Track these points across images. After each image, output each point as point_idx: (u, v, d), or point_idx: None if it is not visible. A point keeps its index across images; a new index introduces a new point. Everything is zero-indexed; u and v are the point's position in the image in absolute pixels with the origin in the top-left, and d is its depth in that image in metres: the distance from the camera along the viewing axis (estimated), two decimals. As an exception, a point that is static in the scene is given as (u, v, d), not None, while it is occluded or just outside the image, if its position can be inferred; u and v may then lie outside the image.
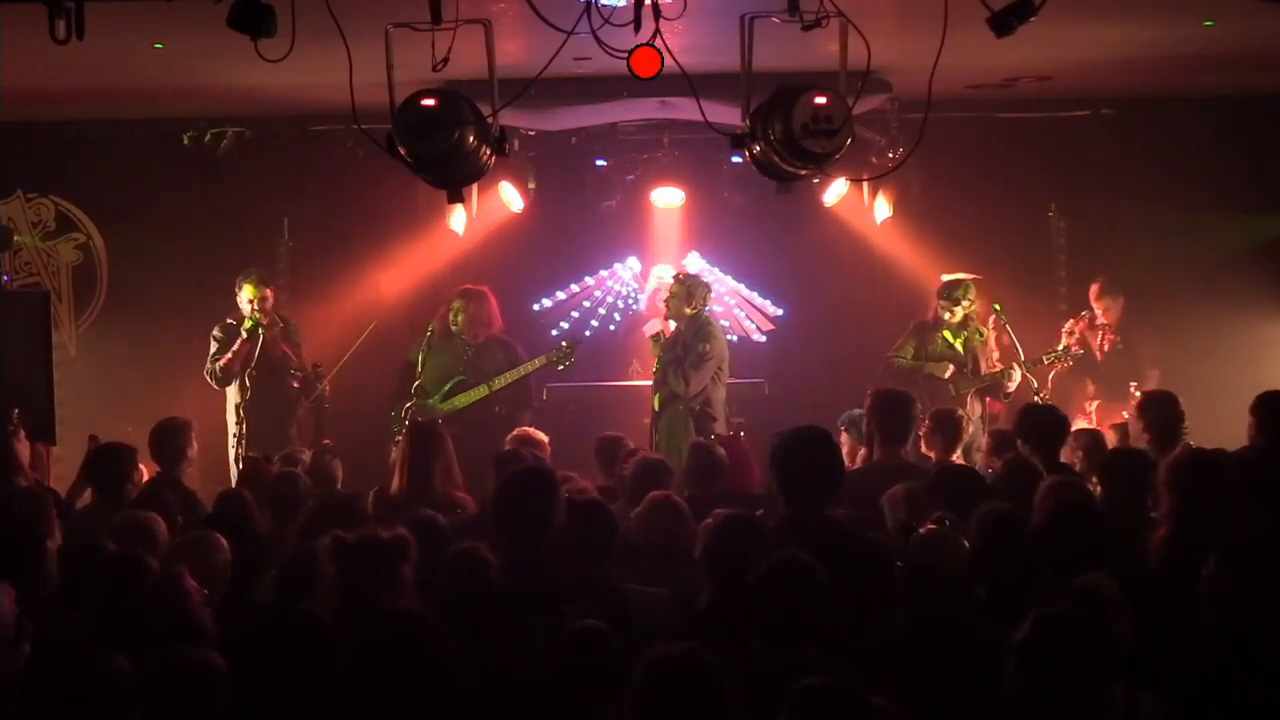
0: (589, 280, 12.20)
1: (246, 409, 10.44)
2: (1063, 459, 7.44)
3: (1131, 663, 4.39)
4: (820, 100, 6.87)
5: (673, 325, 10.47)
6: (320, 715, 4.35)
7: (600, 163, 11.74)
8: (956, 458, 8.14)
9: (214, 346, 10.62)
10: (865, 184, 11.28)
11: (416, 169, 7.22)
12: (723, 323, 11.03)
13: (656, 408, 10.33)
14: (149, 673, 4.40)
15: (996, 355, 10.83)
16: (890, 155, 10.76)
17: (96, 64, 8.63)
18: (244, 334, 10.46)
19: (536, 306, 12.10)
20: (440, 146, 6.87)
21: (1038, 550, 5.35)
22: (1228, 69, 10.33)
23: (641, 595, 5.52)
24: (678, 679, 4.00)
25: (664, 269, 11.78)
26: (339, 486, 8.12)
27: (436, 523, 5.93)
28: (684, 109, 9.53)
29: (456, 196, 7.58)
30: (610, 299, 12.22)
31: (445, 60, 6.81)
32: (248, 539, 6.20)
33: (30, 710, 4.45)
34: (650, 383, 10.58)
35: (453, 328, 10.59)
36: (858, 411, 8.61)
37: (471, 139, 6.99)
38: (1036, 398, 10.05)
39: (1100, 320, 11.25)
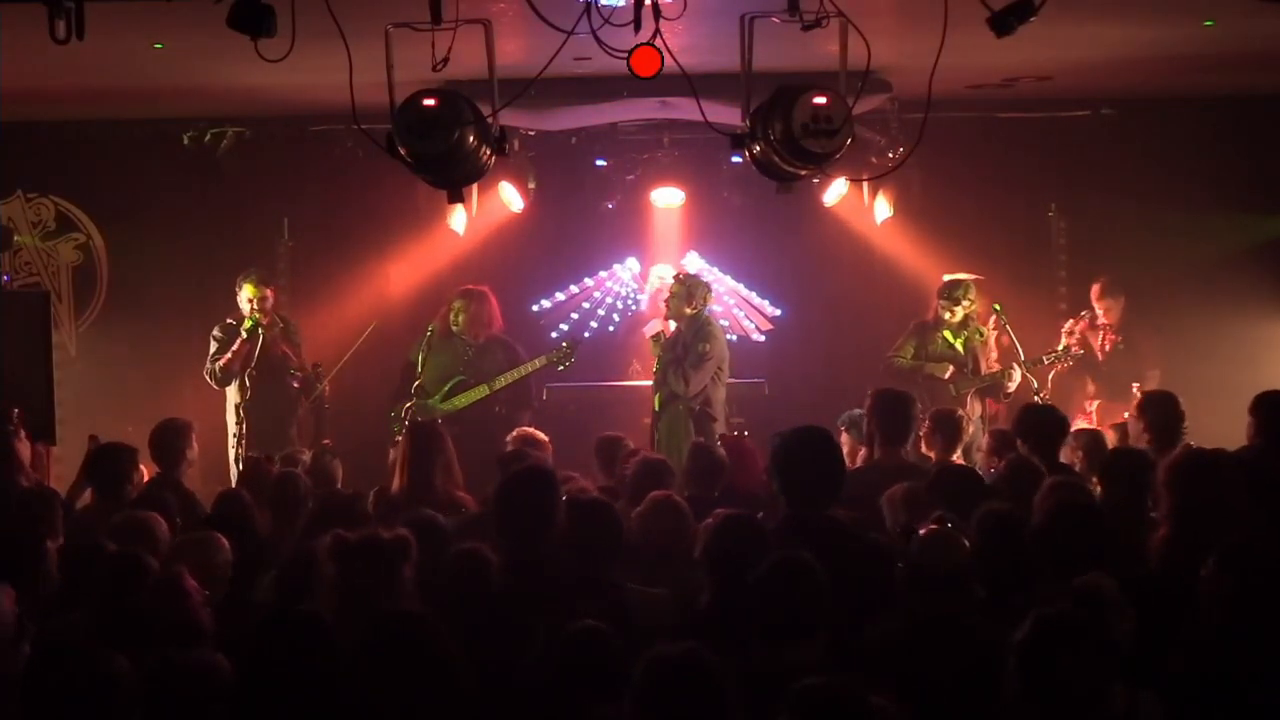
0: (589, 281, 12.20)
1: (246, 409, 10.44)
2: (1063, 459, 7.45)
3: (1131, 663, 4.39)
4: (820, 100, 6.87)
5: (673, 325, 10.48)
6: (320, 715, 4.35)
7: (600, 163, 11.74)
8: (956, 458, 8.14)
9: (214, 346, 10.62)
10: (865, 184, 11.28)
11: (416, 169, 7.22)
12: (722, 323, 11.03)
13: (657, 408, 10.33)
14: (150, 673, 4.40)
15: (995, 356, 10.84)
16: (890, 155, 10.76)
17: (96, 64, 8.63)
18: (244, 334, 10.46)
19: (536, 307, 12.10)
20: (440, 146, 6.87)
21: (1038, 550, 5.35)
22: (1228, 69, 10.33)
23: (642, 595, 5.52)
24: (678, 679, 4.00)
25: (664, 269, 11.78)
26: (339, 486, 8.13)
27: (437, 523, 5.94)
28: (684, 109, 9.53)
29: (456, 196, 7.58)
30: (610, 299, 12.22)
31: (445, 60, 6.81)
32: (248, 539, 6.20)
33: (30, 710, 4.45)
34: (650, 383, 10.58)
35: (453, 328, 10.59)
36: (858, 411, 8.61)
37: (471, 139, 6.99)
38: (1036, 398, 10.06)
39: (1101, 320, 11.24)
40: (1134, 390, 10.00)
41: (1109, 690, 4.18)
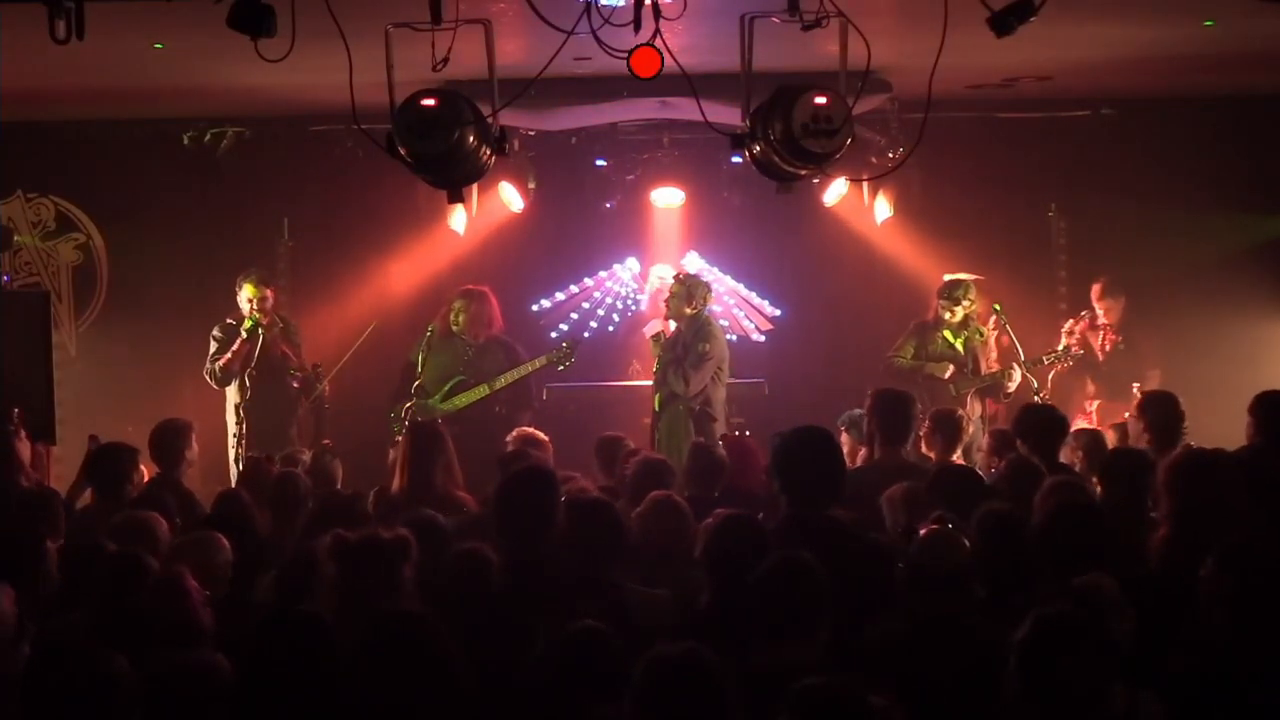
0: (589, 281, 12.20)
1: (246, 409, 10.44)
2: (1063, 459, 7.45)
3: (1131, 663, 4.39)
4: (820, 100, 6.87)
5: (673, 325, 10.48)
6: (320, 715, 4.35)
7: (600, 163, 11.74)
8: (957, 458, 8.14)
9: (214, 346, 10.62)
10: (865, 184, 11.28)
11: (416, 169, 7.22)
12: (722, 323, 11.03)
13: (657, 408, 10.33)
14: (150, 673, 4.40)
15: (995, 356, 10.84)
16: (890, 155, 10.76)
17: (96, 64, 8.63)
18: (244, 334, 10.46)
19: (536, 307, 12.10)
20: (440, 146, 6.87)
21: (1038, 550, 5.35)
22: (1228, 69, 10.33)
23: (642, 595, 5.52)
24: (678, 679, 4.00)
25: (663, 269, 11.78)
26: (339, 486, 8.13)
27: (437, 523, 5.94)
28: (684, 109, 9.53)
29: (456, 196, 7.59)
30: (610, 299, 12.21)
31: (445, 60, 6.81)
32: (248, 539, 6.20)
33: (30, 710, 4.45)
34: (650, 383, 10.58)
35: (454, 328, 10.59)
36: (858, 411, 8.61)
37: (471, 139, 6.99)
38: (1036, 398, 10.06)
39: (1102, 320, 11.24)
40: (1134, 390, 10.01)
41: (1109, 690, 4.18)
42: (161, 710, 4.35)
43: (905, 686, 4.33)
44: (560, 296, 12.17)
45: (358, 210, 11.78)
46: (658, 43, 6.56)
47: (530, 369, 10.57)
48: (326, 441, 9.62)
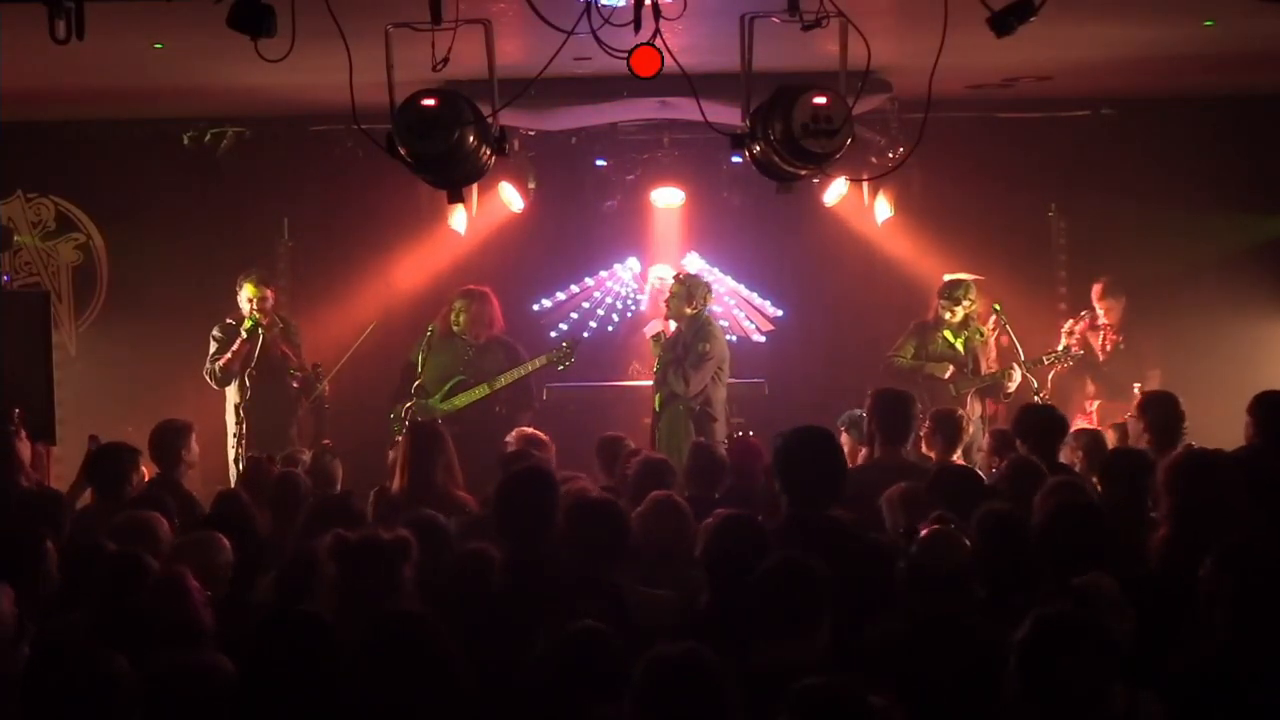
0: (589, 281, 12.20)
1: (246, 409, 10.44)
2: (1063, 459, 7.45)
3: (1131, 663, 4.39)
4: (820, 100, 6.87)
5: (673, 325, 10.48)
6: (320, 715, 4.35)
7: (600, 163, 11.74)
8: (957, 458, 8.13)
9: (214, 346, 10.62)
10: (865, 184, 11.28)
11: (416, 169, 7.22)
12: (722, 323, 11.03)
13: (657, 408, 10.33)
14: (152, 674, 4.40)
15: (994, 356, 10.85)
16: (890, 155, 10.76)
17: (96, 64, 8.63)
18: (244, 334, 10.46)
19: (536, 307, 12.10)
20: (440, 146, 6.87)
21: (1038, 550, 5.35)
22: (1228, 69, 10.33)
23: (642, 595, 5.52)
24: (678, 679, 4.00)
25: (663, 269, 11.78)
26: (339, 486, 8.13)
27: (437, 522, 5.94)
28: (684, 109, 9.52)
29: (456, 196, 7.59)
30: (610, 299, 12.21)
31: (445, 60, 6.82)
32: (248, 539, 6.20)
33: (30, 710, 4.45)
34: (650, 383, 10.58)
35: (454, 328, 10.59)
36: (858, 411, 8.62)
37: (471, 139, 6.99)
38: (1036, 398, 10.06)
39: (1102, 320, 11.24)
40: (1134, 390, 10.01)
41: (1109, 690, 4.18)
42: (161, 710, 4.35)
43: (905, 686, 4.33)
44: (561, 296, 12.17)
45: (358, 210, 11.78)
46: (658, 43, 6.56)
47: (530, 369, 10.57)
48: (326, 441, 9.63)
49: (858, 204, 11.70)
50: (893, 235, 11.80)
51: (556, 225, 11.99)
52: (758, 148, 7.19)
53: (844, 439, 8.65)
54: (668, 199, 11.82)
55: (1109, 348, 11.22)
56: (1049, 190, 12.02)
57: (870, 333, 11.43)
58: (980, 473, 7.43)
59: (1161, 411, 7.60)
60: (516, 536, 5.56)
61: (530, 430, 8.48)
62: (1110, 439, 8.63)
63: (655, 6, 6.55)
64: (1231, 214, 11.71)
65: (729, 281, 12.02)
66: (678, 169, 11.67)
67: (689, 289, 10.38)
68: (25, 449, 8.04)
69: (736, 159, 9.96)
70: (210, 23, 6.52)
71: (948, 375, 10.50)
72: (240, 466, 9.62)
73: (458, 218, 11.29)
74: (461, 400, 10.46)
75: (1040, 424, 7.46)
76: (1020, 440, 7.38)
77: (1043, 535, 5.44)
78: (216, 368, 10.56)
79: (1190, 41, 9.47)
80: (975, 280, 10.71)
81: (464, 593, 5.13)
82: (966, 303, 10.58)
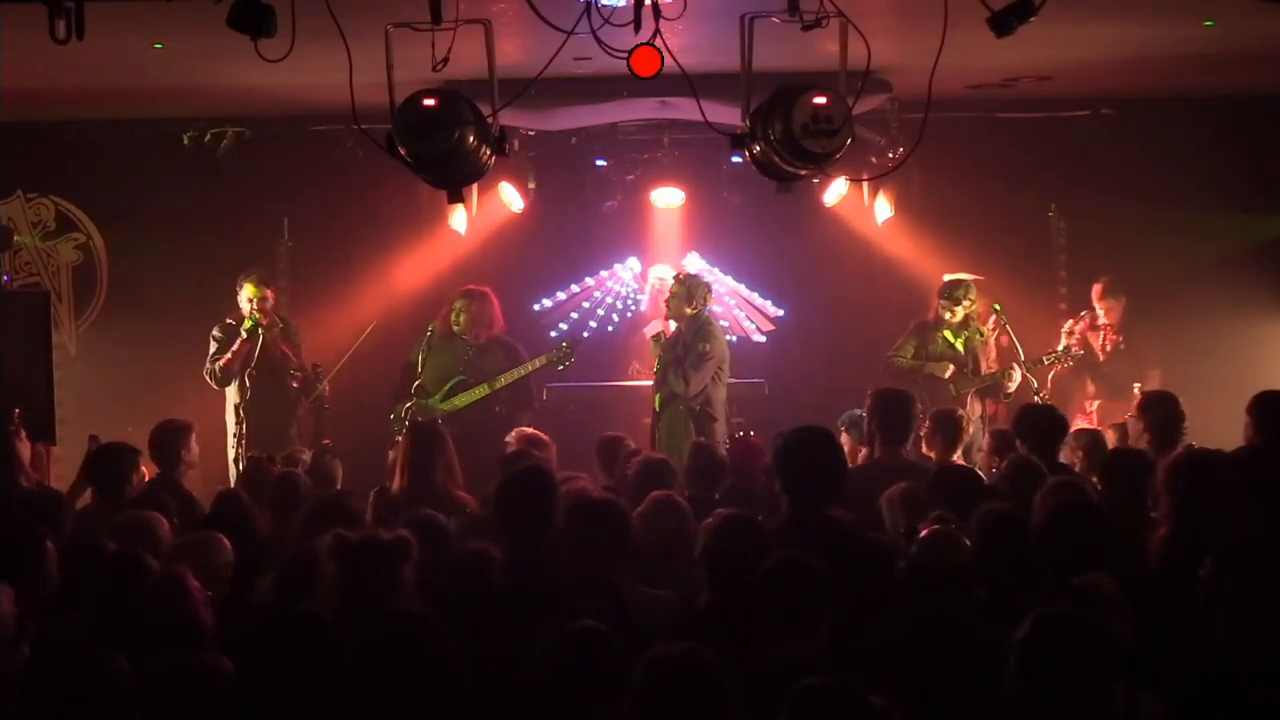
0: (589, 280, 12.20)
1: (246, 409, 10.44)
2: (1063, 459, 7.45)
3: (1131, 663, 4.39)
4: (820, 100, 6.87)
5: (673, 325, 10.48)
6: (321, 715, 4.35)
7: (600, 163, 11.74)
8: (957, 458, 8.13)
9: (214, 346, 10.62)
10: (865, 184, 11.28)
11: (416, 169, 7.22)
12: (722, 323, 11.03)
13: (657, 408, 10.33)
14: (152, 674, 4.40)
15: (994, 355, 10.85)
16: (890, 155, 10.76)
17: (96, 64, 8.63)
18: (244, 334, 10.47)
19: (537, 306, 12.10)
20: (440, 146, 6.87)
21: (1038, 550, 5.35)
22: (1228, 69, 10.33)
23: (642, 595, 5.52)
24: (678, 679, 4.00)
25: (663, 269, 11.78)
26: (339, 486, 8.13)
27: (438, 523, 5.94)
28: (684, 109, 9.52)
29: (457, 196, 7.59)
30: (610, 299, 12.21)
31: (445, 60, 6.82)
32: (248, 539, 6.20)
33: (30, 710, 4.45)
34: (650, 383, 10.58)
35: (455, 328, 10.59)
36: (858, 411, 8.62)
37: (471, 139, 6.99)
38: (1036, 398, 10.06)
39: (1103, 320, 11.23)
40: (1134, 390, 10.01)
41: (1109, 690, 4.18)
42: (161, 710, 4.35)
43: (905, 686, 4.33)
44: (561, 296, 12.17)
45: (358, 210, 11.78)
46: (658, 43, 6.55)
47: (530, 369, 10.57)
48: (326, 441, 9.63)
49: (858, 204, 11.70)
50: (893, 235, 11.80)
51: (556, 225, 11.99)
52: (758, 148, 7.19)
53: (844, 439, 8.65)
54: (668, 199, 11.82)
55: (1109, 348, 11.22)
56: (1049, 190, 12.02)
57: (870, 333, 11.43)
58: (980, 473, 7.43)
59: (1161, 411, 7.60)
60: (516, 536, 5.56)
61: (531, 430, 8.48)
62: (1110, 439, 8.63)
63: (655, 6, 6.55)
64: (1231, 214, 11.71)
65: (729, 281, 12.02)
66: (678, 169, 11.67)
67: (689, 289, 10.38)
68: (25, 449, 8.04)
69: (736, 159, 9.97)
70: (210, 23, 6.52)
71: (948, 375, 10.50)
72: (240, 466, 9.62)
73: (458, 218, 11.29)
74: (461, 400, 10.46)
75: (1040, 424, 7.46)
76: (1020, 440, 7.38)
77: (1043, 535, 5.44)
78: (216, 368, 10.56)
79: (1190, 41, 9.47)
80: (975, 280, 10.71)
81: (464, 593, 5.13)
82: (966, 303, 10.58)
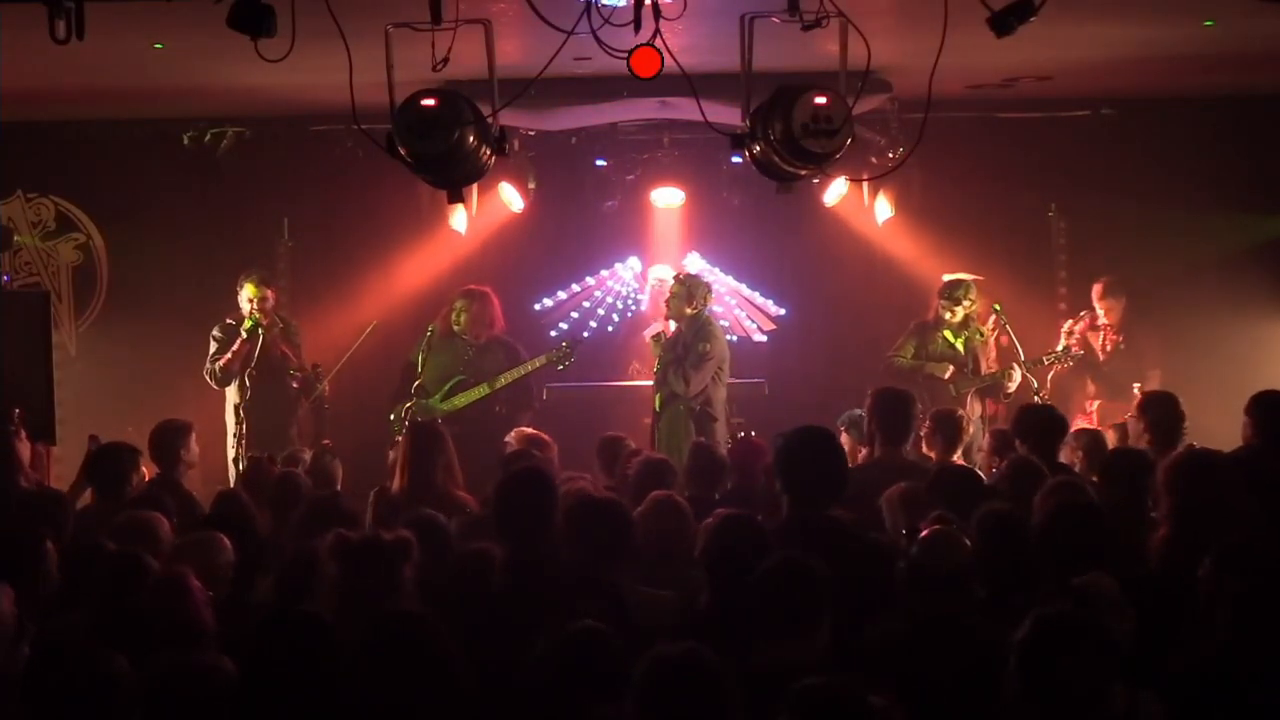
0: (589, 280, 12.20)
1: (246, 409, 10.44)
2: (1063, 459, 7.45)
3: (1131, 663, 4.39)
4: (820, 100, 6.87)
5: (673, 325, 10.48)
6: (321, 715, 4.35)
7: (600, 163, 11.74)
8: (957, 458, 8.13)
9: (214, 346, 10.62)
10: (865, 184, 11.28)
11: (416, 169, 7.22)
12: (723, 323, 11.03)
13: (657, 408, 10.33)
14: (152, 675, 4.40)
15: (994, 356, 10.85)
16: (890, 155, 10.76)
17: (96, 64, 8.63)
18: (244, 334, 10.46)
19: (537, 306, 12.10)
20: (440, 146, 6.87)
21: (1038, 550, 5.35)
22: (1228, 69, 10.34)
23: (642, 595, 5.52)
24: (678, 679, 4.00)
25: (663, 269, 11.78)
26: (339, 486, 8.13)
27: (438, 523, 5.94)
28: (684, 109, 9.53)
29: (457, 196, 7.59)
30: (610, 299, 12.21)
31: (445, 60, 6.82)
32: (247, 539, 6.20)
33: (30, 710, 4.45)
34: (650, 383, 10.58)
35: (455, 328, 10.60)
36: (858, 411, 8.62)
37: (471, 139, 6.99)
38: (1036, 398, 10.06)
39: (1103, 320, 11.23)
40: (1134, 390, 10.01)
41: (1109, 690, 4.18)
42: (161, 710, 4.35)
43: (905, 686, 4.33)
44: (561, 296, 12.17)
45: (358, 210, 11.79)
46: (658, 43, 6.56)
47: (530, 369, 10.57)
48: (326, 441, 9.63)
49: (858, 204, 11.70)
50: (893, 235, 11.80)
51: (556, 225, 11.99)
52: (758, 148, 7.20)
53: (844, 439, 8.65)
54: (668, 199, 11.82)
55: (1109, 348, 11.22)
56: (1049, 190, 12.02)
57: (870, 333, 11.43)
58: (980, 473, 7.43)
59: (1161, 411, 7.60)
60: (516, 536, 5.55)
61: (531, 430, 8.49)
62: (1110, 439, 8.63)
63: (655, 6, 6.55)
64: (1231, 214, 11.71)
65: (729, 281, 12.02)
66: (678, 169, 11.67)
67: (689, 289, 10.38)
68: (25, 449, 8.03)
69: (736, 159, 9.97)
70: (210, 23, 6.53)
71: (948, 375, 10.50)
72: (240, 466, 9.62)
73: (458, 218, 11.29)
74: (461, 400, 10.46)
75: (1040, 424, 7.46)
76: (1020, 440, 7.38)
77: (1043, 535, 5.44)
78: (216, 368, 10.56)
79: (1190, 41, 9.47)
80: (975, 280, 10.71)
81: (464, 593, 5.13)
82: (966, 303, 10.58)
